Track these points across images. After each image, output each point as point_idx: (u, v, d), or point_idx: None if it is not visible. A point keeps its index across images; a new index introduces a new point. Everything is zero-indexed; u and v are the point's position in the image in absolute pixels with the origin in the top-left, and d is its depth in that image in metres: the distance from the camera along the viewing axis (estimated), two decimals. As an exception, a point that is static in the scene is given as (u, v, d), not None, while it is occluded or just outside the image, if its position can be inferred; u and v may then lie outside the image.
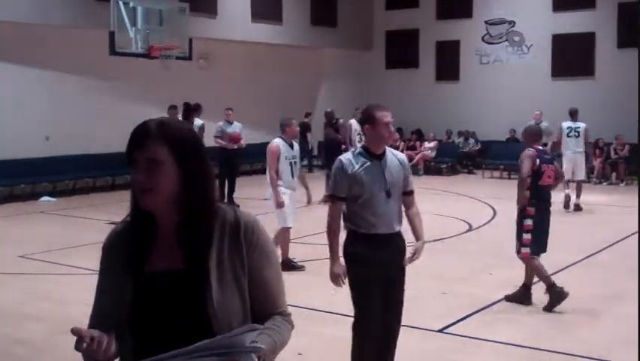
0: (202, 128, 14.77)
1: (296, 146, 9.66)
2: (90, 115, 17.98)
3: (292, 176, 9.50)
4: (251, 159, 21.84)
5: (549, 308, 7.60)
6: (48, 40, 17.09)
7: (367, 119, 5.03)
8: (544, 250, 7.85)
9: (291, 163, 9.44)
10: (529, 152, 7.77)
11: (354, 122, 13.75)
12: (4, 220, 14.06)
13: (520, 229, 7.75)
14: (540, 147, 7.91)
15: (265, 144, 21.91)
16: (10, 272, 9.67)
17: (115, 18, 14.77)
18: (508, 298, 7.99)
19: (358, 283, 5.13)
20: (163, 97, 18.68)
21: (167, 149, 2.14)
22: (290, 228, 9.45)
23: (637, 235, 11.69)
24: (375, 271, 5.02)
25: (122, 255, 2.24)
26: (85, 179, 17.93)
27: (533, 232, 7.66)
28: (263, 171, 21.47)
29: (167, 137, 2.15)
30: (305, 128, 21.56)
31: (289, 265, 9.14)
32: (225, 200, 14.16)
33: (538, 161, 7.65)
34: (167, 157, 2.14)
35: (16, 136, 16.60)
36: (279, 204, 9.20)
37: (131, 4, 15.04)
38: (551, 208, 7.97)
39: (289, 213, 9.39)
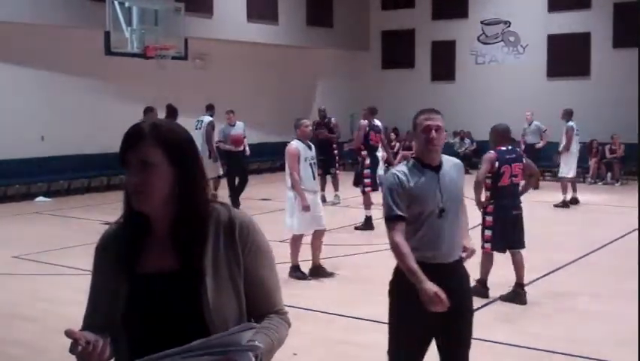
0: (211, 124, 14.80)
1: (313, 147, 9.36)
2: (85, 115, 17.95)
3: (313, 178, 9.20)
4: (248, 160, 21.84)
5: (502, 298, 8.05)
6: (43, 40, 17.04)
7: (413, 126, 4.33)
8: (509, 248, 8.08)
9: (310, 165, 9.10)
10: (488, 155, 8.03)
11: (366, 123, 13.27)
12: (-2, 221, 14.04)
13: (483, 226, 8.09)
14: (504, 148, 8.04)
15: (261, 145, 21.99)
16: (5, 273, 9.64)
17: (110, 18, 14.75)
18: (503, 298, 8.04)
19: (400, 326, 4.44)
20: (158, 97, 18.67)
21: (160, 151, 2.13)
22: (302, 235, 9.10)
23: (633, 234, 11.72)
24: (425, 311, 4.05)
25: (115, 256, 2.23)
26: (80, 179, 17.90)
27: (494, 229, 7.94)
28: (258, 172, 21.67)
29: (160, 138, 2.15)
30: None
31: (298, 272, 8.99)
32: (230, 198, 14.15)
33: (497, 163, 7.88)
34: (161, 159, 2.13)
35: (12, 136, 16.56)
36: (306, 208, 8.84)
37: (127, 4, 15.02)
38: (521, 206, 8.22)
39: (309, 218, 8.97)
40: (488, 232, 8.00)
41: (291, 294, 8.11)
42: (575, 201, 15.51)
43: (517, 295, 7.98)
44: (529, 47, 23.24)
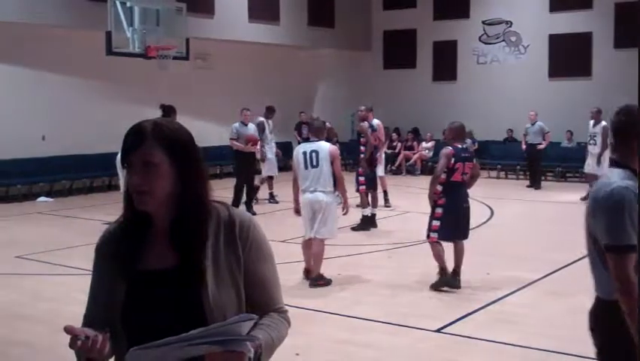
0: (260, 125, 14.91)
1: None
2: (87, 115, 17.97)
3: None
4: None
5: (434, 287, 8.40)
6: (45, 41, 17.06)
7: (623, 125, 3.43)
8: (455, 238, 8.45)
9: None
10: (446, 150, 8.42)
11: (367, 125, 12.96)
12: (0, 221, 14.04)
13: (431, 217, 8.47)
14: (460, 145, 8.44)
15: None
16: (7, 273, 9.65)
17: (112, 18, 14.74)
18: (436, 284, 8.42)
19: None
20: (160, 97, 18.67)
21: (162, 150, 2.15)
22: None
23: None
24: None
25: (115, 254, 2.25)
26: (82, 179, 17.92)
27: (442, 221, 8.35)
28: (259, 172, 21.62)
29: (162, 139, 2.16)
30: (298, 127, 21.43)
31: (321, 279, 8.78)
32: (243, 205, 13.93)
33: (453, 159, 8.28)
34: (163, 159, 2.15)
35: (13, 136, 16.58)
36: (348, 210, 8.99)
37: (128, 4, 15.01)
38: (469, 200, 8.65)
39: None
40: (436, 223, 8.40)
41: (293, 294, 8.13)
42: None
43: (453, 280, 8.43)
44: (531, 47, 23.24)
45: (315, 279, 8.68)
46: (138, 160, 2.14)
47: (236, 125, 14.95)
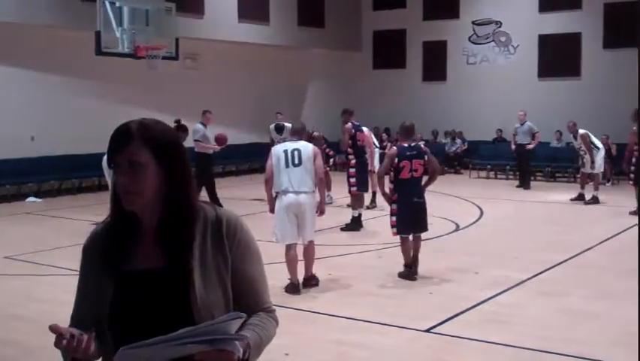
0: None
1: None
2: (76, 115, 17.91)
3: None
4: (237, 160, 21.86)
5: (400, 275, 9.00)
6: (33, 40, 17.00)
7: None
8: (412, 232, 8.99)
9: None
10: (390, 151, 9.16)
11: (350, 126, 12.99)
12: (-11, 221, 14.00)
13: (390, 213, 9.04)
14: (406, 145, 8.97)
15: (251, 145, 21.98)
16: (-4, 273, 9.62)
17: (101, 18, 14.69)
18: (400, 275, 9.00)
19: None
20: (149, 97, 18.66)
21: (148, 151, 2.15)
22: None
23: (624, 233, 11.78)
24: None
25: (102, 255, 2.24)
26: (71, 180, 17.86)
27: (398, 216, 8.90)
28: (249, 172, 21.66)
29: (148, 139, 2.16)
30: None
31: (313, 279, 8.69)
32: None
33: (397, 159, 8.81)
34: (149, 159, 2.15)
35: (1, 136, 16.51)
36: (324, 211, 8.82)
37: (117, 4, 14.97)
38: (423, 195, 9.04)
39: None
40: (393, 218, 8.94)
41: (283, 294, 8.14)
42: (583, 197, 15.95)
43: (408, 273, 9.00)
44: (520, 47, 23.31)
45: (309, 279, 8.63)
46: (125, 160, 2.14)
47: (201, 126, 14.63)
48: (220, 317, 2.05)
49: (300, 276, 8.59)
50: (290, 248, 8.40)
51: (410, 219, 8.89)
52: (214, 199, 13.99)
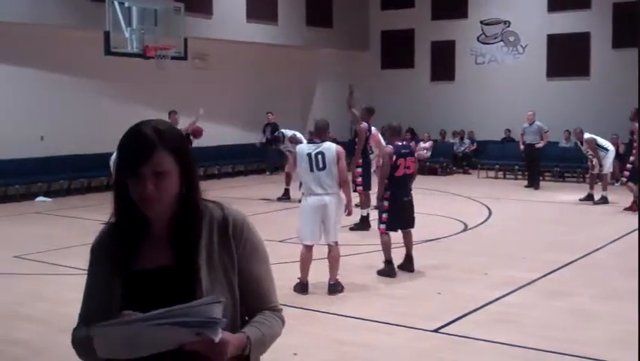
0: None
1: None
2: (85, 115, 17.97)
3: None
4: (244, 160, 21.90)
5: (378, 273, 9.19)
6: (43, 41, 17.06)
7: None
8: (400, 228, 9.24)
9: None
10: (387, 149, 9.28)
11: (365, 126, 12.90)
12: (-2, 221, 14.06)
13: (380, 210, 9.26)
14: (399, 143, 9.28)
15: (260, 144, 21.95)
16: (6, 272, 9.65)
17: (110, 18, 14.75)
18: (378, 272, 9.18)
19: None
20: (158, 97, 18.70)
21: (171, 157, 2.15)
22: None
23: (632, 234, 11.74)
24: None
25: (110, 254, 2.25)
26: (80, 179, 17.91)
27: (389, 213, 9.10)
28: (258, 172, 21.69)
29: (170, 146, 2.15)
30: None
31: (339, 285, 8.56)
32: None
33: (395, 157, 9.05)
34: (172, 166, 2.15)
35: (11, 136, 16.57)
36: (351, 212, 8.86)
37: (126, 4, 15.02)
38: (411, 193, 9.36)
39: None
40: (384, 215, 9.14)
41: (292, 294, 8.14)
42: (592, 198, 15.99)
43: (406, 265, 9.28)
44: (529, 47, 23.26)
45: (335, 285, 8.44)
46: (149, 171, 2.12)
47: None
48: (197, 300, 2.03)
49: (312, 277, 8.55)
50: (307, 248, 8.39)
51: (399, 216, 9.14)
52: None
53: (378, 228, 9.28)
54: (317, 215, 8.27)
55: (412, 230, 9.37)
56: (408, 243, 9.36)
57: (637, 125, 14.19)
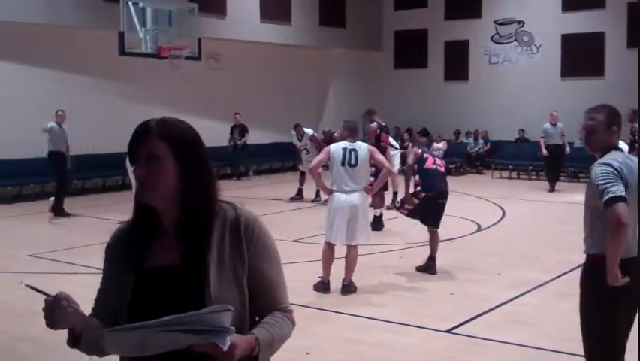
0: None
1: None
2: (100, 115, 18.04)
3: None
4: (258, 160, 21.92)
5: (417, 269, 9.38)
6: (58, 41, 17.16)
7: None
8: (422, 221, 9.52)
9: None
10: (416, 150, 9.63)
11: (376, 126, 13.06)
12: (13, 220, 14.13)
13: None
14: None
15: (273, 145, 22.08)
16: (20, 271, 9.71)
17: (124, 18, 14.82)
18: (418, 269, 9.34)
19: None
20: (172, 97, 18.76)
21: (165, 145, 2.19)
22: None
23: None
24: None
25: (124, 252, 2.29)
26: (94, 179, 17.99)
27: (418, 206, 9.47)
28: (269, 172, 21.72)
29: (165, 134, 2.21)
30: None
31: (353, 285, 8.59)
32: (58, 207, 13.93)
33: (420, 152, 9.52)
34: (166, 154, 2.19)
35: (26, 136, 16.64)
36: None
37: (141, 5, 15.09)
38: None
39: None
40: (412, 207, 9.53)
41: (304, 294, 8.14)
42: None
43: (429, 266, 9.30)
44: (543, 47, 23.18)
45: (348, 286, 8.47)
46: (143, 154, 2.19)
47: (53, 125, 14.46)
48: (208, 308, 2.05)
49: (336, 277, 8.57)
50: (330, 246, 8.46)
51: (426, 211, 9.33)
52: (61, 202, 14.05)
53: (399, 209, 9.82)
54: (345, 215, 8.32)
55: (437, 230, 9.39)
56: (433, 245, 9.34)
57: (637, 125, 14.08)
